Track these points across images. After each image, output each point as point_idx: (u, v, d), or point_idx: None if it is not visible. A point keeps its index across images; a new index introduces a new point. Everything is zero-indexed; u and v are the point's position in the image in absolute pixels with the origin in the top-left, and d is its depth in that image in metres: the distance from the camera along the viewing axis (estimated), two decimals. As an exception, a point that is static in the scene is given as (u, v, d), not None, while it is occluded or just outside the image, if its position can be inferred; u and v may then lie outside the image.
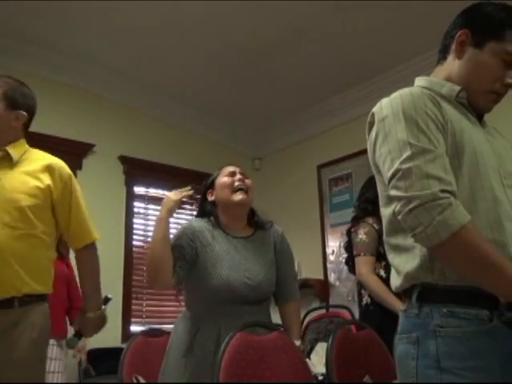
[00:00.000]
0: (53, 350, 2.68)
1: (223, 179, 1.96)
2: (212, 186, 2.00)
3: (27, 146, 1.86)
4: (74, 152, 3.84)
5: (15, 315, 1.62)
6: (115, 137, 4.11)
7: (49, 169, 1.75)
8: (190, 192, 1.91)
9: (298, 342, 1.94)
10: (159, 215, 1.84)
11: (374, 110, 1.16)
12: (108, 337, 3.65)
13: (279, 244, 2.01)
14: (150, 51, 3.70)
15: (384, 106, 1.13)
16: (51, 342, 2.26)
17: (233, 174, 1.96)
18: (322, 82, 4.08)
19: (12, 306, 1.62)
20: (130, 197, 4.15)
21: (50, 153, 3.57)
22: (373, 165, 1.19)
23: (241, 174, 1.97)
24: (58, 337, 2.76)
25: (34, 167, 1.75)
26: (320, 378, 2.51)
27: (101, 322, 1.89)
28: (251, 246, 1.94)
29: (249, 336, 1.81)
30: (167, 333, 2.56)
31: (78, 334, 1.93)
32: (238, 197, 1.90)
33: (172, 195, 1.86)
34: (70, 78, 3.89)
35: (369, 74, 3.92)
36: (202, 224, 1.92)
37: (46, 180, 1.73)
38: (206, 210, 1.99)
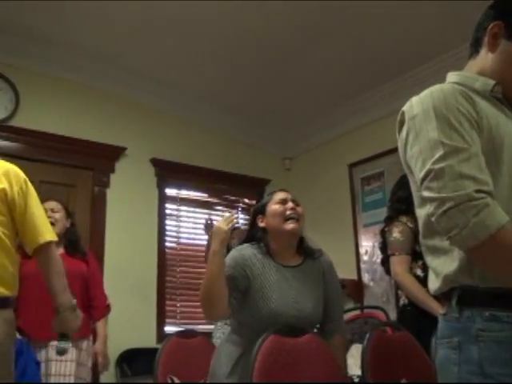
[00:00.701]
0: (72, 352, 2.63)
1: (274, 206, 1.97)
2: (263, 211, 2.00)
3: None
4: (106, 156, 3.90)
5: None
6: (146, 140, 4.16)
7: (5, 174, 1.83)
8: (236, 220, 1.96)
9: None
10: (213, 248, 1.81)
11: (404, 108, 1.13)
12: (143, 337, 3.72)
13: (328, 274, 2.01)
14: (177, 53, 3.73)
15: (414, 104, 1.10)
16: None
17: (284, 202, 1.97)
18: (353, 79, 4.03)
19: None
20: (162, 199, 4.19)
21: (83, 156, 3.72)
22: (404, 164, 1.16)
23: (292, 201, 1.98)
24: (81, 337, 2.69)
25: None
26: (356, 380, 2.48)
27: (77, 316, 1.92)
28: (301, 275, 1.95)
29: (281, 338, 1.80)
30: (201, 334, 2.59)
31: (64, 336, 1.94)
32: (290, 226, 1.91)
33: (222, 225, 1.82)
34: (102, 82, 3.95)
35: (400, 70, 3.84)
36: (251, 252, 1.93)
37: (2, 184, 1.80)
38: (255, 236, 1.99)
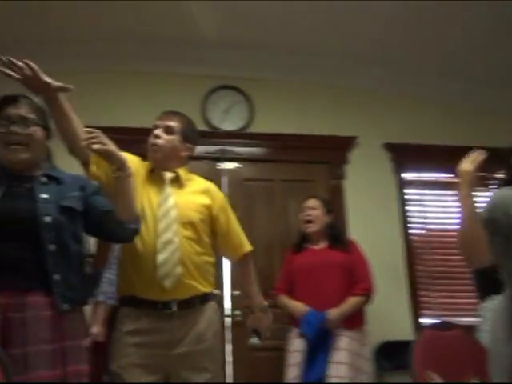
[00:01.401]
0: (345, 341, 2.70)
1: None
2: None
3: (188, 171, 2.19)
4: (339, 147, 3.89)
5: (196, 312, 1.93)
6: (377, 125, 4.00)
7: (207, 191, 2.12)
8: (482, 156, 1.84)
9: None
10: (460, 193, 1.77)
11: None
12: (398, 329, 3.55)
13: None
14: (401, 35, 3.49)
15: None
16: None
17: None
18: None
19: (194, 305, 1.93)
20: (401, 184, 3.96)
21: (318, 151, 3.77)
22: None
23: None
24: (354, 329, 2.76)
25: (195, 189, 2.10)
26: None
27: (269, 316, 2.17)
28: None
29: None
30: (458, 326, 2.32)
31: (257, 333, 2.17)
32: None
33: (465, 166, 1.79)
34: (323, 77, 3.97)
35: None
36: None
37: (206, 199, 2.08)
38: None
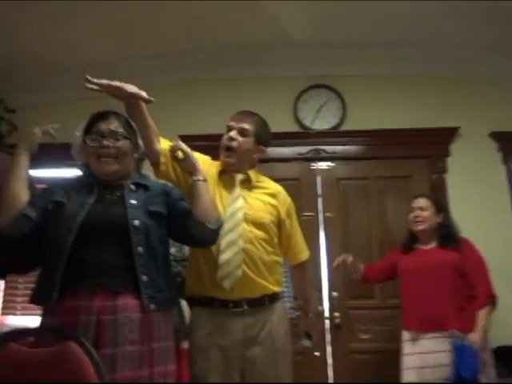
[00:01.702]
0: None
1: None
2: None
3: (258, 173, 2.20)
4: (439, 140, 3.67)
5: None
6: (482, 114, 3.72)
7: (276, 194, 2.12)
8: None
9: None
10: None
11: None
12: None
13: None
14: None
15: None
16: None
17: None
18: None
19: (263, 303, 1.96)
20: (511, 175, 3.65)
21: (416, 146, 3.61)
22: None
23: None
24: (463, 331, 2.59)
25: (266, 191, 2.11)
26: None
27: (320, 320, 2.26)
28: None
29: None
30: None
31: (308, 335, 2.18)
32: None
33: None
34: (422, 67, 3.79)
35: None
36: None
37: (275, 201, 2.09)
38: None
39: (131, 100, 1.79)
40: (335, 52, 3.74)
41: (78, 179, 1.81)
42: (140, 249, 1.63)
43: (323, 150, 3.73)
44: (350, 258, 2.86)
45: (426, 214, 2.83)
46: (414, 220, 2.85)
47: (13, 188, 1.64)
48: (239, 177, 2.08)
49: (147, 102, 1.81)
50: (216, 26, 3.42)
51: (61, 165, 3.55)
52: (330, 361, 3.25)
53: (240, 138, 2.06)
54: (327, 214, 3.58)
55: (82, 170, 1.85)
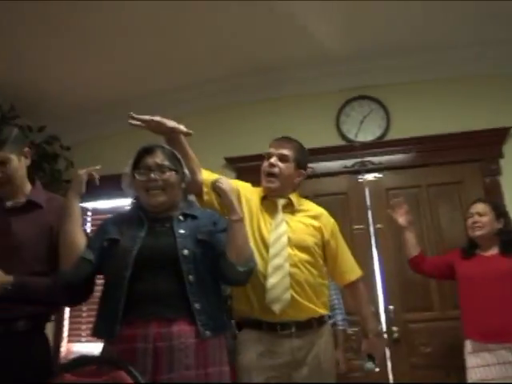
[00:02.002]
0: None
1: None
2: None
3: (299, 196, 2.22)
4: (489, 141, 3.53)
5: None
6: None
7: (319, 216, 2.14)
8: None
9: None
10: None
11: None
12: None
13: None
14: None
15: None
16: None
17: None
18: None
19: (311, 326, 1.96)
20: None
21: (465, 149, 3.51)
22: None
23: None
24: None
25: (308, 213, 2.13)
26: None
27: (383, 340, 2.18)
28: None
29: None
30: None
31: (371, 358, 2.09)
32: None
33: None
34: (464, 68, 3.68)
35: None
36: None
37: (318, 223, 2.10)
38: None
39: (172, 134, 1.87)
40: (374, 62, 3.72)
41: (129, 214, 1.90)
42: (191, 277, 1.69)
43: (369, 162, 3.69)
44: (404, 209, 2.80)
45: (484, 219, 2.71)
46: (472, 226, 2.74)
47: (70, 233, 1.74)
48: (281, 202, 2.10)
49: (186, 134, 1.89)
50: (252, 49, 3.49)
51: (116, 195, 3.68)
52: (390, 377, 3.17)
53: (281, 164, 2.10)
54: (378, 226, 3.53)
55: (132, 204, 1.94)
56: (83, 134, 4.13)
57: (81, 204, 1.83)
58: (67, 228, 1.75)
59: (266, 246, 1.98)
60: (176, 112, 3.58)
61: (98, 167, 1.85)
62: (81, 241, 1.75)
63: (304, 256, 2.00)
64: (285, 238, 1.99)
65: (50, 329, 3.68)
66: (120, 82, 3.74)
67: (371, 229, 3.53)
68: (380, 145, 3.70)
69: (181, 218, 1.83)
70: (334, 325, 3.03)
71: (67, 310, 3.87)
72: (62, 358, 3.69)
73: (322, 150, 3.72)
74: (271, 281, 1.91)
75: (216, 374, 1.67)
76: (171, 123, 1.87)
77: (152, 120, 1.85)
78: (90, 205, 4.07)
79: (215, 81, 3.86)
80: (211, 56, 3.53)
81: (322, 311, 2.00)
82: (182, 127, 1.90)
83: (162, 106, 3.87)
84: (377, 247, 3.49)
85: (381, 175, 3.67)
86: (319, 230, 2.09)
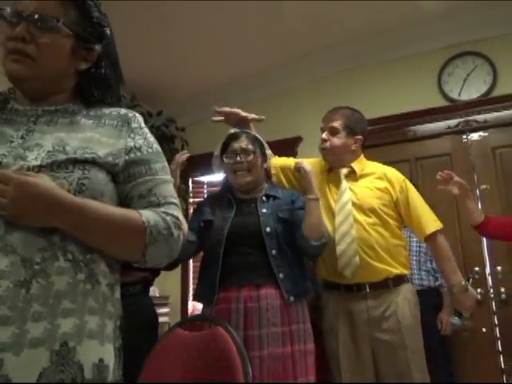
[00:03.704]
0: None
1: None
2: None
3: (365, 160, 2.29)
4: None
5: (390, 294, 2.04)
6: None
7: (384, 176, 2.18)
8: None
9: None
10: None
11: None
12: None
13: None
14: None
15: None
16: None
17: None
18: None
19: (387, 286, 2.04)
20: None
21: None
22: None
23: None
24: None
25: (373, 176, 2.19)
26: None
27: (468, 295, 2.01)
28: None
29: None
30: None
31: (458, 314, 2.11)
32: None
33: None
34: None
35: None
36: None
37: (384, 184, 2.15)
38: None
39: (242, 123, 2.12)
40: (477, 15, 3.52)
41: (220, 196, 2.17)
42: (273, 251, 1.92)
43: (474, 120, 3.55)
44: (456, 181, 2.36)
45: None
46: None
47: None
48: (343, 171, 2.21)
49: (259, 120, 2.11)
50: (347, 17, 3.53)
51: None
52: (497, 337, 3.15)
53: (332, 138, 2.20)
54: (483, 187, 3.43)
55: (222, 185, 2.23)
56: (196, 115, 4.51)
57: (197, 178, 2.13)
58: None
59: (334, 216, 2.12)
60: (286, 84, 3.77)
61: (185, 152, 2.09)
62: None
63: (371, 219, 2.09)
64: (349, 205, 2.10)
65: (177, 290, 4.26)
66: (226, 64, 4.02)
67: (477, 190, 3.45)
68: (486, 102, 3.53)
69: (264, 198, 2.06)
70: (440, 287, 3.09)
71: (191, 274, 4.37)
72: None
73: (424, 111, 3.67)
74: (340, 248, 2.06)
75: (299, 330, 1.90)
76: (242, 113, 2.14)
77: (231, 112, 2.10)
78: (205, 178, 4.50)
79: (313, 53, 3.97)
80: (309, 28, 3.63)
81: (399, 271, 2.07)
82: (253, 115, 2.15)
83: (268, 82, 4.12)
84: (483, 208, 3.40)
85: (486, 133, 3.53)
86: (385, 190, 2.15)
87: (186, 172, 2.75)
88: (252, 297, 1.88)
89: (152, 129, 4.30)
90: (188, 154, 2.06)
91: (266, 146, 2.15)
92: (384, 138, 3.64)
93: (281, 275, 1.91)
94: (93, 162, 0.99)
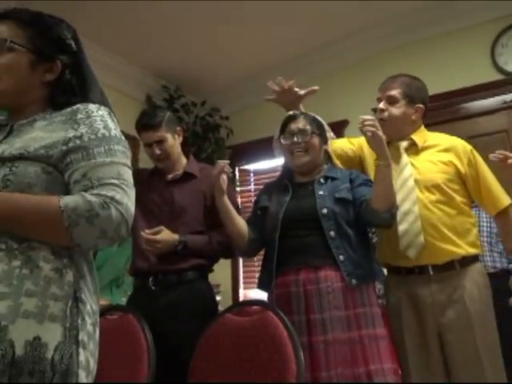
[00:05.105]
0: None
1: None
2: None
3: (426, 131, 2.12)
4: None
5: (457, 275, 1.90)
6: None
7: (450, 148, 2.01)
8: None
9: None
10: None
11: None
12: None
13: None
14: None
15: None
16: None
17: None
18: None
19: (453, 268, 1.90)
20: None
21: None
22: None
23: None
24: None
25: (437, 149, 2.02)
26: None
27: None
28: None
29: None
30: None
31: None
32: None
33: None
34: None
35: None
36: None
37: (449, 157, 1.99)
38: None
39: (294, 103, 2.07)
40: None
41: (278, 182, 2.15)
42: (332, 233, 1.86)
43: (532, 94, 3.36)
44: None
45: None
46: None
47: (234, 226, 1.99)
48: (403, 145, 2.06)
49: (313, 92, 2.07)
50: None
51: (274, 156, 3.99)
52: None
53: (390, 108, 2.04)
54: (544, 163, 3.23)
55: (282, 171, 2.21)
56: (239, 104, 4.51)
57: (243, 167, 2.11)
58: (230, 223, 1.99)
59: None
60: (330, 67, 3.69)
61: (227, 161, 2.01)
62: (244, 228, 2.02)
63: (435, 196, 1.94)
64: (411, 181, 1.96)
65: (227, 279, 4.28)
66: (267, 50, 3.98)
67: (538, 167, 3.26)
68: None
69: (322, 180, 2.00)
70: None
71: (241, 262, 4.38)
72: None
73: (477, 87, 3.50)
74: (402, 227, 1.92)
75: (366, 314, 1.81)
76: (296, 89, 2.07)
77: (283, 88, 2.05)
78: (251, 166, 4.48)
79: (355, 34, 3.89)
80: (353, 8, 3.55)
81: (466, 252, 1.91)
82: (305, 90, 2.09)
83: (311, 65, 4.06)
84: (544, 186, 3.22)
85: (546, 108, 3.33)
86: (451, 164, 1.98)
87: (231, 161, 2.74)
88: (311, 279, 1.83)
89: (197, 119, 4.34)
90: (228, 162, 2.01)
91: (326, 127, 2.08)
92: (434, 117, 3.47)
93: (341, 257, 1.84)
94: (21, 158, 1.06)
